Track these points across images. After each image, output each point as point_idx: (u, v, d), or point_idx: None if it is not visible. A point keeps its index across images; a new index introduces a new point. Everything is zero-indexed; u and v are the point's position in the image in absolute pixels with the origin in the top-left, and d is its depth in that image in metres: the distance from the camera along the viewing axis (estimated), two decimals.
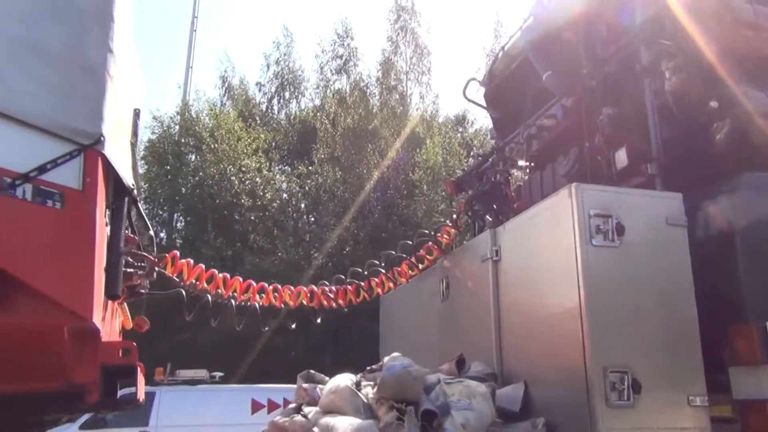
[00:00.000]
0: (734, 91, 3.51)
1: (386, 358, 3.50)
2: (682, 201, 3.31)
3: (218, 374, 10.28)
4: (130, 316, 3.53)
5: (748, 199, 3.46)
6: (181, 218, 20.15)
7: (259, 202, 18.96)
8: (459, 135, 22.80)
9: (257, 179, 19.12)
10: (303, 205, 20.97)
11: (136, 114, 3.62)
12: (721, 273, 3.32)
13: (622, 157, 3.89)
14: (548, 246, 3.37)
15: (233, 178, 18.60)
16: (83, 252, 2.87)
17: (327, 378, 3.82)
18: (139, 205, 3.37)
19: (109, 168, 2.95)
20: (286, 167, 22.15)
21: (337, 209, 19.58)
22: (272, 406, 9.31)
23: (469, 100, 5.55)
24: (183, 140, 19.81)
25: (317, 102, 22.69)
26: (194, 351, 14.55)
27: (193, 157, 19.82)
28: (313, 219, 20.53)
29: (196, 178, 18.89)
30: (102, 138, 3.01)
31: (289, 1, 35.28)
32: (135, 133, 3.55)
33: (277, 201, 19.93)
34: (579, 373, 3.01)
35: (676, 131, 3.75)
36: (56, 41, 2.98)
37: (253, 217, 18.89)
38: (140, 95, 3.82)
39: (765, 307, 3.21)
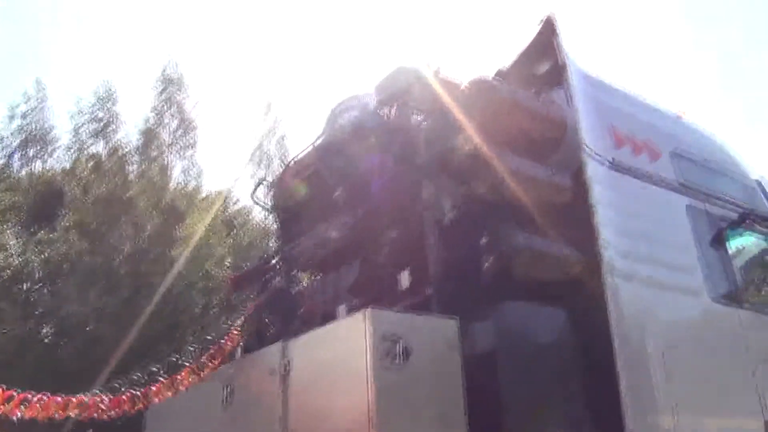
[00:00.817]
0: (501, 231, 4.11)
1: None
2: (458, 325, 3.75)
3: None
4: None
5: (507, 324, 4.04)
6: None
7: None
8: (221, 212, 22.58)
9: None
10: (38, 275, 19.03)
11: None
12: (486, 389, 3.78)
13: (404, 278, 4.28)
14: (340, 364, 3.58)
15: None
16: None
17: None
18: None
19: None
20: (21, 231, 20.03)
21: (82, 281, 18.08)
22: None
23: (256, 203, 5.73)
24: None
25: (67, 165, 21.09)
26: None
27: None
28: (48, 291, 18.68)
29: None
30: None
31: (46, 53, 32.67)
32: None
33: (9, 270, 17.87)
34: None
35: (452, 258, 4.24)
36: None
37: None
38: None
39: (521, 421, 3.72)
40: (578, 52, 5.15)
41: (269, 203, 5.72)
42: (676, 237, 4.90)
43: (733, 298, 5.02)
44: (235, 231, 22.38)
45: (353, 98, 5.28)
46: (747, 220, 5.43)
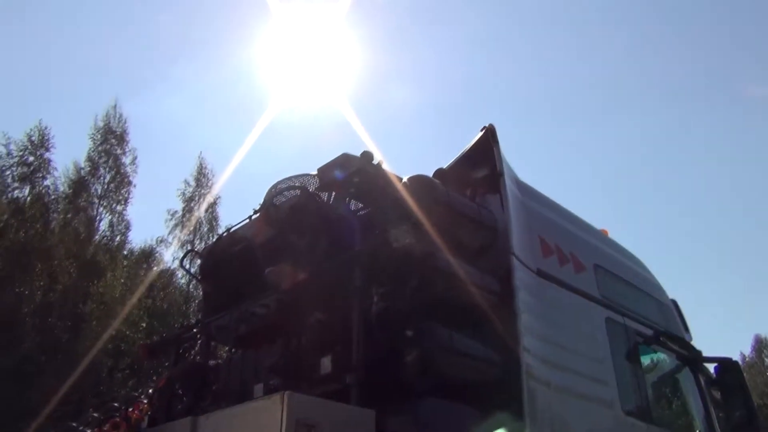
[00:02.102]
0: (426, 328, 4.17)
1: None
2: (374, 417, 3.73)
3: None
4: None
5: (424, 421, 4.04)
6: None
7: None
8: (142, 272, 21.97)
9: None
10: None
11: None
12: None
13: (326, 364, 4.25)
14: None
15: None
16: None
17: None
18: None
19: None
20: None
21: None
22: None
23: (186, 270, 5.66)
24: None
25: None
26: None
27: None
28: None
29: None
30: None
31: None
32: None
33: None
34: None
35: (375, 349, 4.24)
36: None
37: None
38: None
39: None
40: (513, 161, 5.43)
41: (196, 272, 5.61)
42: (593, 348, 5.06)
43: (644, 412, 5.16)
44: (154, 293, 21.74)
45: (295, 178, 5.34)
46: (660, 337, 5.66)
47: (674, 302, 6.46)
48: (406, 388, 4.13)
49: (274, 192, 5.30)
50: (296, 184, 5.20)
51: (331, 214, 4.81)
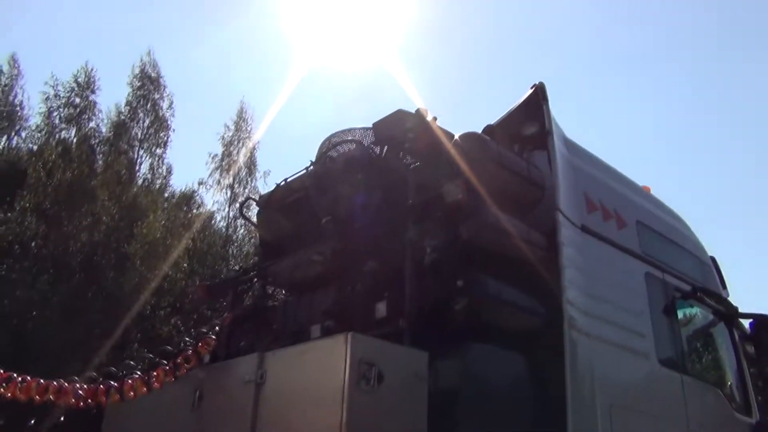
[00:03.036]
0: (475, 278, 4.43)
1: None
2: (427, 359, 4.02)
3: None
4: None
5: (471, 364, 4.34)
6: None
7: None
8: (182, 215, 22.53)
9: None
10: None
11: None
12: (444, 421, 4.04)
13: (381, 309, 4.54)
14: (317, 381, 3.80)
15: None
16: None
17: None
18: None
19: None
20: None
21: (32, 266, 17.80)
22: None
23: (245, 218, 5.94)
24: None
25: (34, 146, 20.82)
26: None
27: None
28: None
29: None
30: None
31: (25, 31, 32.09)
32: None
33: None
34: None
35: (427, 296, 4.52)
36: None
37: None
38: None
39: None
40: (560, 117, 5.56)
41: (254, 220, 5.91)
42: (633, 302, 5.28)
43: (678, 364, 5.41)
44: (194, 234, 22.33)
45: (349, 132, 5.57)
46: (698, 293, 5.86)
47: (713, 259, 6.62)
48: (454, 333, 4.40)
49: (329, 145, 5.53)
50: (351, 138, 5.42)
51: (386, 168, 5.02)
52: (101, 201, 19.68)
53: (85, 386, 4.26)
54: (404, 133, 5.04)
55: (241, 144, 23.77)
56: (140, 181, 22.40)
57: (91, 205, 19.48)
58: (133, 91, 22.60)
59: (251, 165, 23.75)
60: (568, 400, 4.35)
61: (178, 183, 27.84)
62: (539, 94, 5.38)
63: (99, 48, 34.76)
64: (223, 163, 23.48)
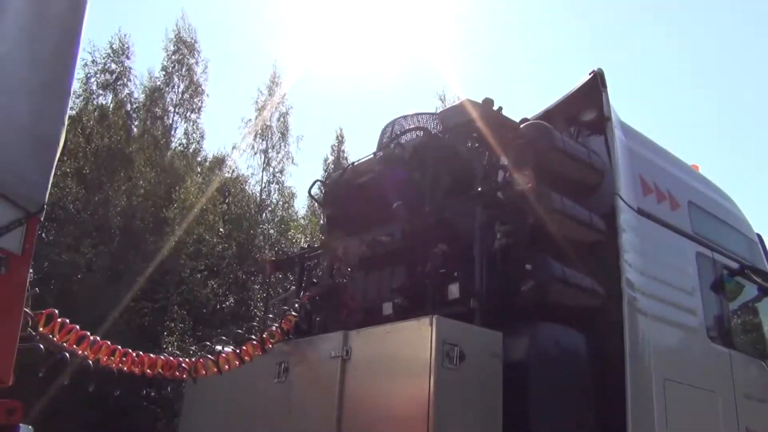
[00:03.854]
0: (542, 261, 4.74)
1: None
2: (502, 338, 4.38)
3: None
4: None
5: (538, 342, 4.69)
6: None
7: None
8: (216, 179, 22.93)
9: None
10: None
11: None
12: (516, 395, 4.41)
13: (454, 290, 4.88)
14: (403, 359, 4.18)
15: None
16: (14, 317, 3.07)
17: None
18: None
19: None
20: None
21: (73, 231, 18.36)
22: None
23: (312, 198, 6.25)
24: None
25: (73, 112, 21.22)
26: None
27: None
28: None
29: None
30: (45, 206, 3.25)
31: None
32: None
33: None
34: None
35: (496, 279, 4.85)
36: (24, 114, 3.15)
37: None
38: None
39: (546, 428, 4.38)
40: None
41: (320, 199, 6.24)
42: (685, 281, 5.59)
43: (727, 339, 5.73)
44: (229, 199, 22.78)
45: (416, 117, 5.85)
46: (745, 270, 6.14)
47: (759, 237, 6.87)
48: (522, 314, 4.74)
49: (396, 131, 5.81)
50: (418, 125, 5.70)
51: (455, 156, 5.30)
52: (138, 166, 20.11)
53: (187, 360, 4.64)
54: (471, 122, 5.30)
55: (274, 109, 23.96)
56: (176, 146, 22.76)
57: (129, 170, 19.93)
58: (168, 55, 22.80)
59: (284, 130, 23.98)
60: (627, 375, 4.73)
61: (212, 147, 28.27)
62: (598, 80, 5.60)
63: (135, 12, 34.81)
64: (256, 127, 23.73)
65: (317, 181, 6.25)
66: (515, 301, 4.78)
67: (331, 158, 26.37)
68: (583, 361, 4.86)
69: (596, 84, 5.61)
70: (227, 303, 19.93)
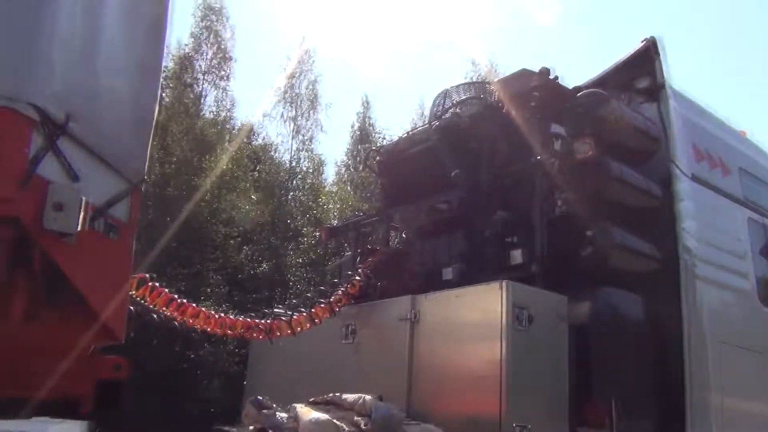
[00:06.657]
0: (602, 227, 4.88)
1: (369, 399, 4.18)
2: (566, 301, 4.55)
3: None
4: None
5: (600, 304, 4.86)
6: None
7: None
8: (247, 146, 23.14)
9: None
10: None
11: None
12: (580, 354, 4.60)
13: (516, 255, 5.05)
14: (475, 322, 4.39)
15: None
16: (126, 279, 3.33)
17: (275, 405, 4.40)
18: None
19: None
20: None
21: None
22: None
23: (368, 167, 6.40)
24: None
25: None
26: None
27: None
28: None
29: None
30: (146, 178, 3.47)
31: None
32: None
33: None
34: (493, 425, 4.05)
35: (557, 245, 5.01)
36: (125, 93, 3.35)
37: None
38: None
39: (605, 382, 4.59)
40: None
41: (375, 168, 6.39)
42: (737, 245, 5.71)
43: None
44: (259, 166, 22.99)
45: (472, 86, 5.97)
46: None
47: None
48: (584, 278, 4.90)
49: (457, 97, 5.93)
50: (475, 94, 5.82)
51: (513, 125, 5.42)
52: (171, 134, 20.33)
53: (263, 322, 4.88)
54: (529, 91, 5.41)
55: (302, 76, 23.97)
56: (206, 114, 22.93)
57: (162, 138, 20.15)
58: (197, 22, 22.83)
59: (314, 98, 24.03)
60: (685, 338, 4.91)
61: (242, 115, 28.40)
62: (652, 48, 5.65)
63: None
64: (286, 95, 23.80)
65: (372, 150, 6.39)
66: (576, 266, 4.94)
67: (357, 125, 26.46)
68: (641, 324, 5.03)
69: (649, 51, 5.67)
70: (261, 268, 20.22)
